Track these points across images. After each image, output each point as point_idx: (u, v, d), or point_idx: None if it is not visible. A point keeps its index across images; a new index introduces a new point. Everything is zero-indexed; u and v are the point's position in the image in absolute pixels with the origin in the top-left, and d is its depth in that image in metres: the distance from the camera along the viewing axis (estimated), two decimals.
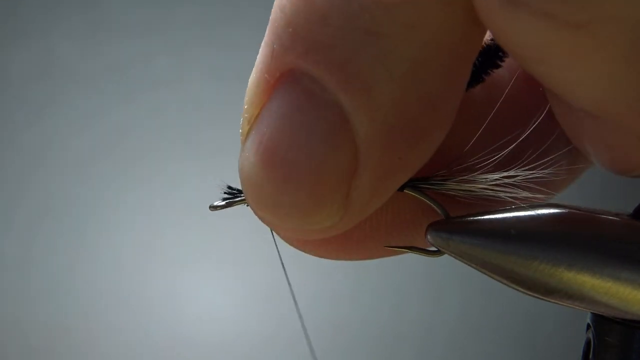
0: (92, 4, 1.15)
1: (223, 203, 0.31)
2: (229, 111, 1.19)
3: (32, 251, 1.12)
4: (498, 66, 0.27)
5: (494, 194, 0.28)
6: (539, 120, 0.28)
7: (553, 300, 0.27)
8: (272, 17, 0.24)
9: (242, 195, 0.31)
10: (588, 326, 0.30)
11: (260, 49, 0.25)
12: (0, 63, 1.14)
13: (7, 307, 1.12)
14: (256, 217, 0.27)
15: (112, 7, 1.15)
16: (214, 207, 0.31)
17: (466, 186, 0.28)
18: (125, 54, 1.14)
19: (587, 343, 0.29)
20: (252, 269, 1.14)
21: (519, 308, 1.17)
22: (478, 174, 0.28)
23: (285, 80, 0.24)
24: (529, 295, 0.28)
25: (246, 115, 0.26)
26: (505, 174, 0.28)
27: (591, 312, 0.29)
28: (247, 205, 0.30)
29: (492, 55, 0.26)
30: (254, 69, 0.25)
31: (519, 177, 0.28)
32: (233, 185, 0.31)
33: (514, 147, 0.28)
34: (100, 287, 1.13)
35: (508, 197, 0.28)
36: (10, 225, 1.13)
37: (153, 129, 1.14)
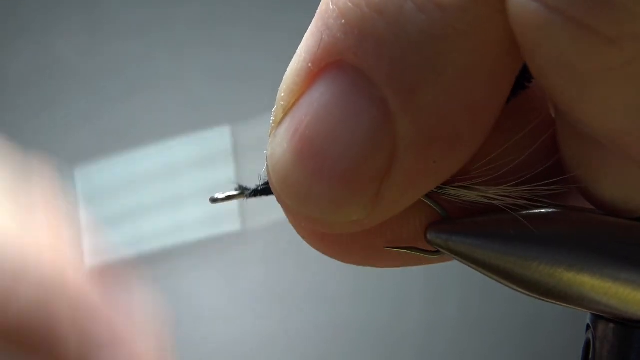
0: (92, 3, 1.15)
1: (223, 196, 0.31)
2: (229, 111, 1.19)
3: None
4: (529, 80, 0.27)
5: (490, 202, 0.28)
6: (540, 141, 0.28)
7: (553, 301, 0.27)
8: (322, 7, 0.24)
9: (247, 191, 0.31)
10: (588, 326, 0.30)
11: (305, 38, 0.25)
12: None
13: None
14: (278, 204, 0.27)
15: (112, 7, 1.15)
16: (214, 200, 0.31)
17: (464, 192, 0.28)
18: (125, 54, 1.14)
19: (587, 343, 0.30)
20: (252, 269, 1.14)
21: (519, 308, 1.17)
22: (476, 185, 0.28)
23: (332, 70, 0.24)
24: (529, 295, 0.28)
25: (282, 103, 0.25)
26: (501, 187, 0.28)
27: (591, 313, 0.29)
28: (247, 199, 0.30)
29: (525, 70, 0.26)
30: (295, 57, 0.25)
31: (515, 192, 0.28)
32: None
33: (513, 162, 0.28)
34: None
35: (504, 206, 0.28)
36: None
37: (154, 128, 1.14)
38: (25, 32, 1.14)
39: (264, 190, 0.30)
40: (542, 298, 0.27)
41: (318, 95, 0.24)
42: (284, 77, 0.26)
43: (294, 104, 0.25)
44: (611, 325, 0.28)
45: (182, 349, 1.16)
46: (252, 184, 0.31)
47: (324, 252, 0.30)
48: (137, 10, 1.15)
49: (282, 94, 0.25)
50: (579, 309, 0.28)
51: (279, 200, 0.27)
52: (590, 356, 0.29)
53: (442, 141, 0.24)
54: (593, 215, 0.27)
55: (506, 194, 0.28)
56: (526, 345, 1.18)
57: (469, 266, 0.28)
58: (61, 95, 1.14)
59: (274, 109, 0.26)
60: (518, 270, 0.27)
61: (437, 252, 0.29)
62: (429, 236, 0.29)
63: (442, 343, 1.17)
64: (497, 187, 0.28)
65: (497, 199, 0.27)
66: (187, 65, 1.15)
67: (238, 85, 1.14)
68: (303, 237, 0.30)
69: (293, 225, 0.29)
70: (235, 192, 0.31)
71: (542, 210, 0.27)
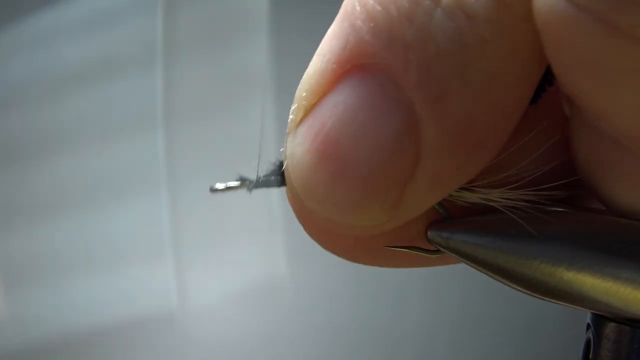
0: (91, 3, 1.15)
1: (223, 186, 0.31)
2: (230, 110, 1.19)
3: (31, 250, 1.12)
4: (551, 84, 0.27)
5: (492, 204, 0.28)
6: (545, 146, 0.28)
7: (553, 300, 0.27)
8: (348, 8, 0.24)
9: (247, 181, 0.31)
10: (588, 326, 0.30)
11: (330, 38, 0.25)
12: None
13: (6, 307, 1.12)
14: (289, 203, 0.27)
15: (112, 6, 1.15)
16: (214, 190, 0.31)
17: (466, 194, 0.28)
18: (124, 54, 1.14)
19: (587, 343, 0.30)
20: (253, 269, 1.14)
21: (519, 308, 1.17)
22: (478, 187, 0.28)
23: (358, 73, 0.24)
24: (529, 294, 0.28)
25: (304, 102, 0.26)
26: (501, 190, 0.28)
27: (591, 312, 0.29)
28: (248, 191, 0.30)
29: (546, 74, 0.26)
30: (318, 57, 0.25)
31: (516, 195, 0.28)
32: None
33: (515, 166, 0.28)
34: (99, 286, 1.12)
35: (505, 208, 0.28)
36: (9, 225, 1.13)
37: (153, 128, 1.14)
38: (26, 32, 1.14)
39: (266, 181, 0.30)
40: (542, 297, 0.27)
41: (343, 97, 0.24)
42: (305, 77, 0.26)
43: (315, 104, 0.25)
44: (612, 324, 0.28)
45: (183, 348, 1.15)
46: (252, 174, 0.31)
47: (331, 251, 0.30)
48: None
49: (304, 94, 0.26)
50: (580, 308, 0.28)
51: (294, 199, 0.27)
52: (591, 356, 0.29)
53: (467, 147, 0.24)
54: (593, 214, 0.27)
55: (507, 197, 0.28)
56: (526, 345, 1.18)
57: (469, 265, 0.28)
58: (61, 95, 1.14)
59: (292, 108, 0.26)
60: (518, 269, 0.27)
61: (437, 252, 0.29)
62: (429, 235, 0.29)
63: (442, 343, 1.17)
64: (499, 190, 0.28)
65: (499, 201, 0.28)
66: (187, 65, 1.15)
67: (238, 85, 1.14)
68: (311, 235, 0.29)
69: (302, 224, 0.29)
70: (236, 183, 0.31)
71: (542, 211, 0.28)
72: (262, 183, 0.30)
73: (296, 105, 0.26)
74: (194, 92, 1.15)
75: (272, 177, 0.29)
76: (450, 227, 0.28)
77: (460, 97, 0.23)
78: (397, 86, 0.23)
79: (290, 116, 0.26)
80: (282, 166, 0.28)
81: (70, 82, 1.14)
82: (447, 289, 1.17)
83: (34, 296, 1.12)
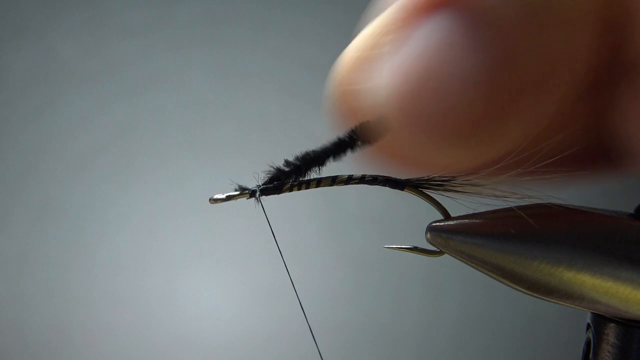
0: (91, 3, 1.15)
1: (223, 196, 0.30)
2: (229, 111, 1.19)
3: (31, 251, 1.12)
4: None
5: (489, 195, 0.28)
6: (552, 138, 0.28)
7: (553, 300, 0.27)
8: None
9: (247, 191, 0.31)
10: (588, 326, 0.30)
11: None
12: None
13: (5, 307, 1.12)
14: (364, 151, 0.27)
15: (112, 7, 1.15)
16: (214, 200, 0.31)
17: (464, 187, 0.29)
18: (125, 53, 1.14)
19: (587, 343, 0.30)
20: (252, 269, 1.14)
21: (519, 308, 1.17)
22: (475, 178, 0.28)
23: (452, 5, 0.24)
24: (529, 295, 0.28)
25: (389, 35, 0.25)
26: (497, 179, 0.28)
27: (591, 312, 0.29)
28: (248, 199, 0.30)
29: None
30: None
31: (512, 182, 0.28)
32: (242, 184, 0.31)
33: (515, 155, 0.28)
34: (99, 286, 1.13)
35: (504, 196, 0.28)
36: (9, 225, 1.13)
37: (153, 128, 1.14)
38: (25, 31, 1.14)
39: (265, 189, 0.30)
40: (542, 297, 0.27)
41: (436, 30, 0.24)
42: (394, 7, 0.25)
43: (405, 35, 0.24)
44: (612, 324, 0.28)
45: (182, 349, 1.15)
46: (251, 183, 0.31)
47: (392, 166, 0.29)
48: (138, 9, 1.15)
49: (393, 23, 0.25)
50: (580, 308, 0.28)
51: (393, 126, 0.26)
52: (591, 355, 0.29)
53: (555, 82, 0.24)
54: (593, 214, 0.27)
55: (512, 191, 0.28)
56: (526, 345, 1.18)
57: (469, 265, 0.28)
58: (60, 94, 1.14)
59: (374, 36, 0.26)
60: (518, 269, 0.27)
61: (437, 252, 0.29)
62: (429, 236, 0.29)
63: (441, 343, 1.17)
64: (506, 174, 0.28)
65: (504, 194, 0.28)
66: (187, 64, 1.15)
67: (238, 85, 1.14)
68: (391, 165, 0.28)
69: (385, 154, 0.27)
70: (235, 192, 0.31)
71: (542, 210, 0.28)
72: (262, 191, 0.30)
73: (381, 32, 0.25)
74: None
75: (272, 185, 0.29)
76: (449, 228, 0.28)
77: (557, 31, 0.23)
78: (492, 22, 0.23)
79: (372, 40, 0.26)
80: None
81: None
82: (447, 289, 1.17)
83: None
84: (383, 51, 0.25)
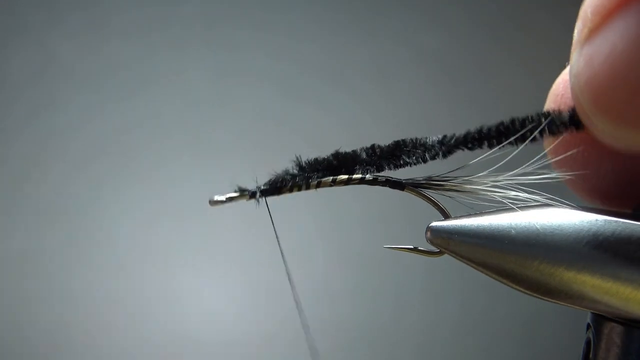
0: (91, 3, 1.15)
1: (223, 198, 0.30)
2: (229, 111, 1.19)
3: (31, 250, 1.12)
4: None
5: (489, 196, 0.28)
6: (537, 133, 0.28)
7: (553, 300, 0.27)
8: None
9: (247, 192, 0.31)
10: (588, 326, 0.30)
11: None
12: None
13: (6, 306, 1.12)
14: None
15: (112, 7, 1.15)
16: (214, 202, 0.31)
17: (464, 187, 0.29)
18: (125, 53, 1.14)
19: (587, 343, 0.29)
20: (252, 269, 1.14)
21: (519, 308, 1.17)
22: (474, 177, 0.28)
23: None
24: (529, 295, 0.28)
25: (589, 22, 0.26)
26: (496, 178, 0.28)
27: (591, 312, 0.29)
28: (248, 200, 0.30)
29: None
30: None
31: (509, 181, 0.28)
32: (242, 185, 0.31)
33: (511, 155, 0.28)
34: (99, 286, 1.13)
35: (502, 198, 0.28)
36: (8, 224, 1.13)
37: (152, 128, 1.14)
38: (24, 31, 1.14)
39: (265, 191, 0.30)
40: (542, 297, 0.27)
41: (634, 21, 0.24)
42: None
43: (601, 24, 0.25)
44: (612, 324, 0.28)
45: (182, 349, 1.15)
46: (251, 184, 0.31)
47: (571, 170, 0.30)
48: (137, 10, 1.15)
49: (589, 13, 0.25)
50: (580, 308, 0.28)
51: (585, 117, 0.26)
52: (591, 355, 0.29)
53: None
54: (593, 214, 0.27)
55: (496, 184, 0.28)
56: (526, 345, 1.18)
57: (469, 265, 0.28)
58: (60, 94, 1.14)
59: (578, 25, 0.26)
60: (519, 270, 0.27)
61: (438, 252, 0.29)
62: (429, 236, 0.29)
63: (441, 343, 1.17)
64: (487, 177, 0.28)
65: (504, 194, 0.28)
66: (187, 65, 1.15)
67: (238, 85, 1.14)
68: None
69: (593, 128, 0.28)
70: (235, 194, 0.31)
71: (542, 211, 0.28)
72: (262, 192, 0.30)
73: (581, 23, 0.26)
74: None
75: (271, 187, 0.30)
76: (449, 228, 0.28)
77: None
78: None
79: (575, 35, 0.26)
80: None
81: None
82: (447, 289, 1.17)
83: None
84: (579, 39, 0.26)
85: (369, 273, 1.16)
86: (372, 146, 0.30)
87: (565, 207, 0.28)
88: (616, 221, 0.27)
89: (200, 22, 1.16)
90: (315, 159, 0.30)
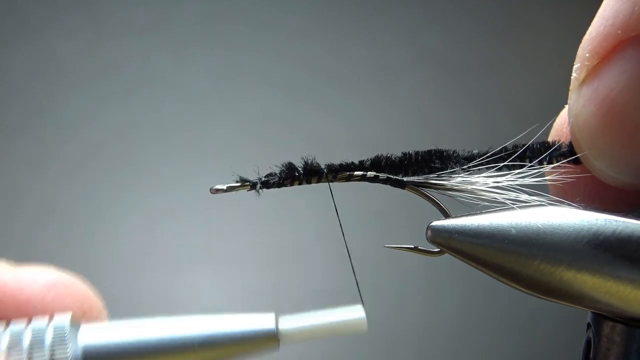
0: (91, 3, 1.15)
1: (224, 187, 0.31)
2: (229, 111, 1.19)
3: (31, 250, 1.12)
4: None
5: (489, 196, 0.28)
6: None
7: (553, 300, 0.27)
8: None
9: (248, 182, 0.31)
10: (588, 325, 0.30)
11: (612, 3, 0.25)
12: None
13: None
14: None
15: (112, 7, 1.15)
16: (215, 190, 0.31)
17: (464, 187, 0.29)
18: (125, 53, 1.14)
19: (587, 342, 0.30)
20: (252, 269, 1.14)
21: (519, 308, 1.17)
22: (474, 178, 0.28)
23: None
24: (529, 294, 0.28)
25: (586, 63, 0.26)
26: (497, 178, 0.28)
27: (591, 312, 0.29)
28: (249, 190, 0.30)
29: None
30: (600, 20, 0.26)
31: (510, 182, 0.28)
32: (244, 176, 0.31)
33: (511, 157, 0.29)
34: (99, 286, 1.12)
35: (503, 198, 0.28)
36: (9, 224, 1.13)
37: (152, 128, 1.14)
38: (24, 31, 1.14)
39: (266, 182, 0.30)
40: (543, 297, 0.27)
41: (631, 65, 0.25)
42: (587, 37, 0.26)
43: (598, 67, 0.26)
44: (612, 324, 0.28)
45: None
46: (252, 175, 0.31)
47: (568, 195, 0.30)
48: (137, 9, 1.15)
49: (587, 55, 0.26)
50: (580, 307, 0.28)
51: (582, 155, 0.27)
52: (591, 355, 0.29)
53: None
54: (593, 214, 0.27)
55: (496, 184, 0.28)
56: (526, 345, 1.18)
57: (470, 265, 0.28)
58: (60, 94, 1.14)
59: (575, 66, 0.27)
60: (519, 269, 0.27)
61: (438, 252, 0.29)
62: (430, 235, 0.29)
63: (441, 343, 1.17)
64: (488, 176, 0.28)
65: (504, 194, 0.28)
66: (187, 65, 1.15)
67: (238, 85, 1.14)
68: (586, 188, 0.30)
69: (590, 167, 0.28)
70: (236, 184, 0.31)
71: (542, 210, 0.28)
72: (262, 184, 0.30)
73: (579, 64, 0.27)
74: None
75: (272, 179, 0.30)
76: (450, 228, 0.28)
77: None
78: None
79: (574, 74, 0.27)
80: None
81: None
82: (447, 289, 1.17)
83: None
84: (579, 79, 0.27)
85: (369, 273, 1.16)
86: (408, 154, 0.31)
87: (566, 207, 0.28)
88: (616, 220, 0.27)
89: (200, 22, 1.16)
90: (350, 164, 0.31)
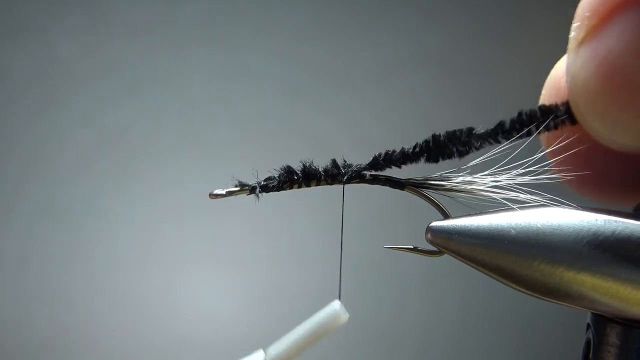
0: (91, 3, 1.15)
1: (224, 192, 0.31)
2: (229, 111, 1.19)
3: (30, 250, 1.12)
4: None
5: (488, 196, 0.28)
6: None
7: (553, 300, 0.27)
8: None
9: (247, 187, 0.31)
10: (588, 326, 0.30)
11: None
12: None
13: (5, 306, 1.12)
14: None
15: (112, 7, 1.15)
16: (214, 195, 0.31)
17: (464, 187, 0.29)
18: (125, 53, 1.14)
19: (587, 343, 0.30)
20: (252, 269, 1.14)
21: (519, 308, 1.17)
22: (474, 177, 0.28)
23: None
24: (529, 295, 0.28)
25: (586, 22, 0.26)
26: (495, 178, 0.28)
27: (591, 312, 0.29)
28: (248, 195, 0.30)
29: None
30: None
31: (509, 182, 0.28)
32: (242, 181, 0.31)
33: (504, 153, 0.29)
34: (99, 287, 1.13)
35: (502, 198, 0.28)
36: (9, 224, 1.13)
37: (152, 128, 1.14)
38: (25, 31, 1.14)
39: (265, 186, 0.30)
40: (542, 297, 0.27)
41: (631, 25, 0.24)
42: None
43: (598, 26, 0.25)
44: (612, 324, 0.28)
45: (182, 349, 1.15)
46: (251, 180, 0.31)
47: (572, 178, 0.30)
48: (137, 10, 1.15)
49: (587, 13, 0.26)
50: (580, 308, 0.28)
51: (580, 117, 0.27)
52: (591, 355, 0.29)
53: None
54: (593, 214, 0.27)
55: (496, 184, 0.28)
56: (526, 345, 1.18)
57: (469, 265, 0.28)
58: (60, 94, 1.14)
59: (574, 25, 0.27)
60: (518, 269, 0.27)
61: (437, 252, 0.29)
62: (429, 236, 0.29)
63: (441, 343, 1.17)
64: (487, 177, 0.28)
65: (503, 194, 0.28)
66: (187, 65, 1.15)
67: (238, 85, 1.14)
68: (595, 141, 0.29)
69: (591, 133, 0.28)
70: (235, 188, 0.31)
71: (542, 211, 0.28)
72: (262, 188, 0.30)
73: (578, 23, 0.26)
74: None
75: (271, 182, 0.30)
76: (449, 228, 0.28)
77: None
78: None
79: (572, 33, 0.27)
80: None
81: None
82: (447, 289, 1.17)
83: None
84: (578, 38, 0.26)
85: (369, 273, 1.16)
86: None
87: (565, 207, 0.28)
88: (616, 221, 0.27)
89: (200, 22, 1.16)
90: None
